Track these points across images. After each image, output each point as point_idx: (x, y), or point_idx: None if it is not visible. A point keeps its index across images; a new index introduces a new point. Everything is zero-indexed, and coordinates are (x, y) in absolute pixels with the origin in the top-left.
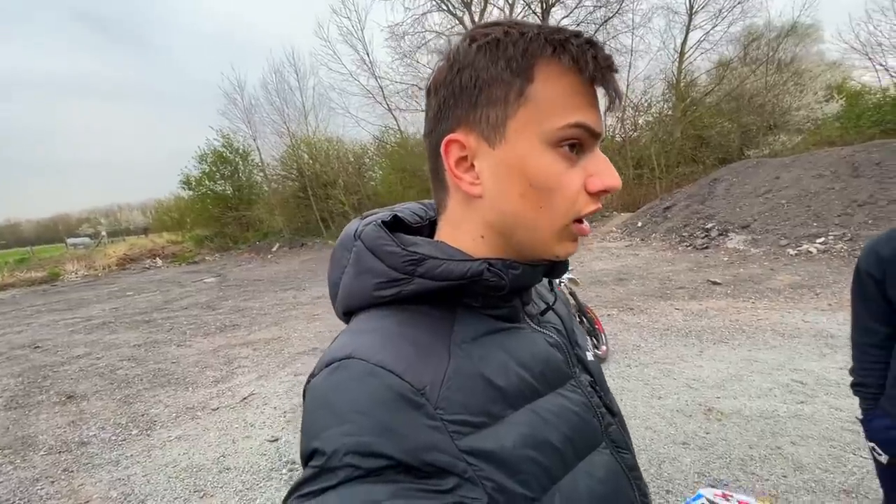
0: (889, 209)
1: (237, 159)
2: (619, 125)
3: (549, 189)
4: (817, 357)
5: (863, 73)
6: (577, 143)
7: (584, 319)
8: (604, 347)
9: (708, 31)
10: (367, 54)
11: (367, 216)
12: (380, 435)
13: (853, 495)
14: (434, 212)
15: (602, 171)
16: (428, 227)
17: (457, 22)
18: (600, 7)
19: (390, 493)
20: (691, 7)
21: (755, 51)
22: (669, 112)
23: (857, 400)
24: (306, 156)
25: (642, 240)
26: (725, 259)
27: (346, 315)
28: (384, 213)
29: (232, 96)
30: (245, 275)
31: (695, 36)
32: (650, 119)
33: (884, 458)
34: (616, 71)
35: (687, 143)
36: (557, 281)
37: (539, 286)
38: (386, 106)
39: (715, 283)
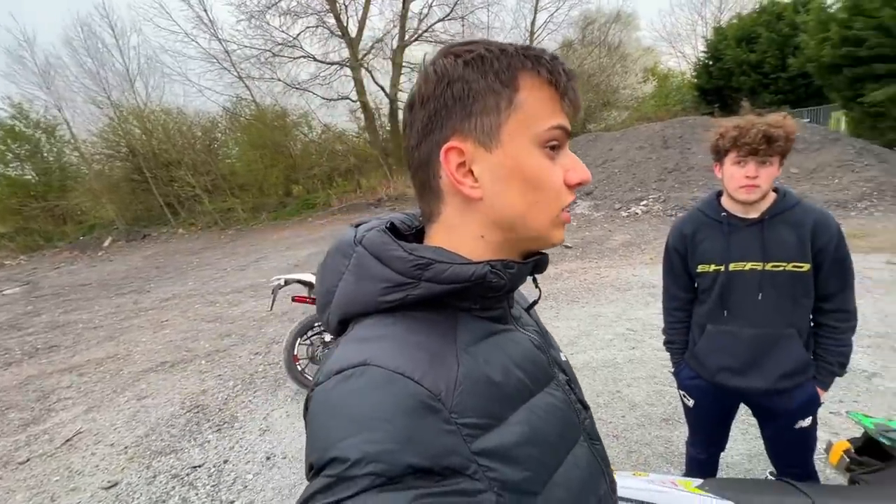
0: (689, 174)
1: (38, 135)
2: None
3: (541, 185)
4: (643, 305)
5: (669, 59)
6: (557, 144)
7: None
8: None
9: (552, 13)
10: (206, 11)
11: (360, 223)
12: (403, 442)
13: (670, 422)
14: (418, 222)
15: (576, 166)
16: (413, 237)
17: None
18: None
19: (409, 499)
20: None
21: (591, 34)
22: None
23: None
24: (138, 130)
25: None
26: (575, 224)
27: (341, 324)
28: (379, 221)
29: (17, 54)
30: (66, 279)
31: (542, 17)
32: None
33: (690, 402)
34: (576, 82)
35: None
36: None
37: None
38: (235, 73)
39: (567, 247)
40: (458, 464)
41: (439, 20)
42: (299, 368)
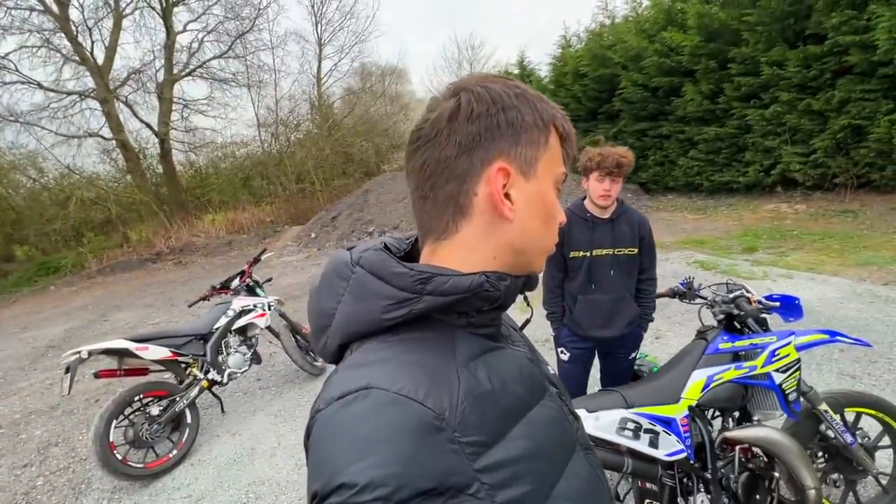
0: None
1: None
2: (274, 141)
3: (554, 218)
4: None
5: None
6: (559, 188)
7: (300, 337)
8: (321, 361)
9: (336, 63)
10: None
11: (352, 247)
12: (408, 465)
13: None
14: (405, 245)
15: (561, 209)
16: (402, 258)
17: None
18: (231, 19)
19: None
20: (320, 39)
21: (372, 84)
22: (316, 131)
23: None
24: None
25: (318, 249)
26: None
27: (341, 348)
28: (375, 243)
29: None
30: None
31: (327, 65)
32: (301, 136)
33: (566, 356)
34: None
35: (337, 158)
36: (268, 305)
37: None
38: None
39: None
40: (462, 483)
41: (215, 57)
42: (119, 457)
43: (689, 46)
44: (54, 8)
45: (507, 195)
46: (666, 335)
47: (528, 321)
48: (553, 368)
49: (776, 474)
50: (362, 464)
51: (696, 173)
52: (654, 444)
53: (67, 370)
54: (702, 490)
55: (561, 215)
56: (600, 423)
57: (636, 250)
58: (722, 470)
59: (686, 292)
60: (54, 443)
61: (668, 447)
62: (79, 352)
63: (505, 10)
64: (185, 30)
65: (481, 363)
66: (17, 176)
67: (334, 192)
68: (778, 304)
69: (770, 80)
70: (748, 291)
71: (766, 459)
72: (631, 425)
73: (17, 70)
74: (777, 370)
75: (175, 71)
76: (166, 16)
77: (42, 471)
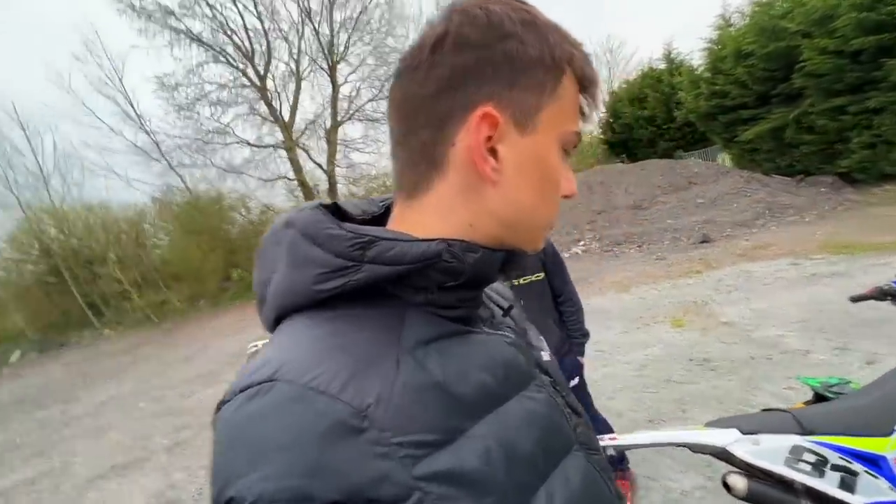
0: (616, 213)
1: None
2: None
3: (555, 185)
4: (605, 329)
5: None
6: (567, 151)
7: None
8: None
9: None
10: (132, 106)
11: (304, 209)
12: (312, 476)
13: (655, 422)
14: (377, 208)
15: (570, 176)
16: (371, 223)
17: (240, 74)
18: (381, 66)
19: None
20: None
21: None
22: None
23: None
24: (53, 230)
25: None
26: None
27: (278, 322)
28: (315, 202)
29: None
30: None
31: None
32: None
33: None
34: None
35: None
36: None
37: (489, 289)
38: (166, 162)
39: None
40: (393, 494)
41: (369, 101)
42: None
43: None
44: (257, 81)
45: (493, 150)
46: (885, 359)
47: (512, 306)
48: (548, 354)
49: None
50: (254, 476)
51: None
52: (848, 486)
53: (249, 359)
54: None
55: (567, 185)
56: (761, 448)
57: (542, 275)
58: None
59: None
60: None
61: (873, 494)
62: (256, 344)
63: (643, 9)
64: (345, 81)
65: (434, 349)
66: (233, 214)
67: None
68: None
69: None
70: None
71: None
72: (810, 457)
73: (233, 133)
74: None
75: (339, 117)
76: (332, 73)
77: None
